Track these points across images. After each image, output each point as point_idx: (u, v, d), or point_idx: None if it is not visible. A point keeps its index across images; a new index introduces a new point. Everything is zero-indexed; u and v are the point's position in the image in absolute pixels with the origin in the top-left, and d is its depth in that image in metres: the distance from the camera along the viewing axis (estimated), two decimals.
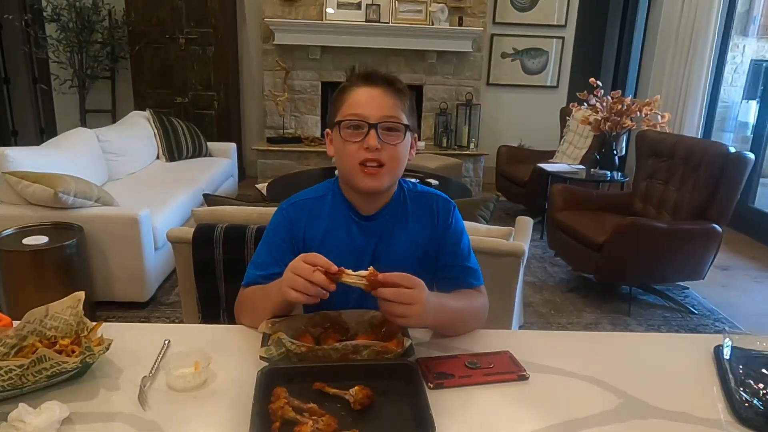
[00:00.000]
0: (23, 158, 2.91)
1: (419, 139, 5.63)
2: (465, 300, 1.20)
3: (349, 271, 1.00)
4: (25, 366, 0.88)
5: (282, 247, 1.20)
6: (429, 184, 3.59)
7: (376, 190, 1.17)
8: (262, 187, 3.73)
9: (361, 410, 0.89)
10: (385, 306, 1.00)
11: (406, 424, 0.87)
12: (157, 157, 4.49)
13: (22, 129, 5.90)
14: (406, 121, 1.16)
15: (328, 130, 1.21)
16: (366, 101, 1.13)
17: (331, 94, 5.96)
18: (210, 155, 4.74)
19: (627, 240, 2.98)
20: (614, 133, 3.98)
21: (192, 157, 4.60)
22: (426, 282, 1.06)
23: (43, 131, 5.75)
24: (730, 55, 4.98)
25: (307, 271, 0.99)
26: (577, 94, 4.28)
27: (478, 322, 1.21)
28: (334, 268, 1.00)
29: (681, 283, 3.45)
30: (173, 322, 2.79)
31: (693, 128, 4.71)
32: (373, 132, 1.11)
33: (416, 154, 1.27)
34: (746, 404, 0.94)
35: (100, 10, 5.12)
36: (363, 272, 1.00)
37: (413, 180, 1.31)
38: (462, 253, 1.25)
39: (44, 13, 5.05)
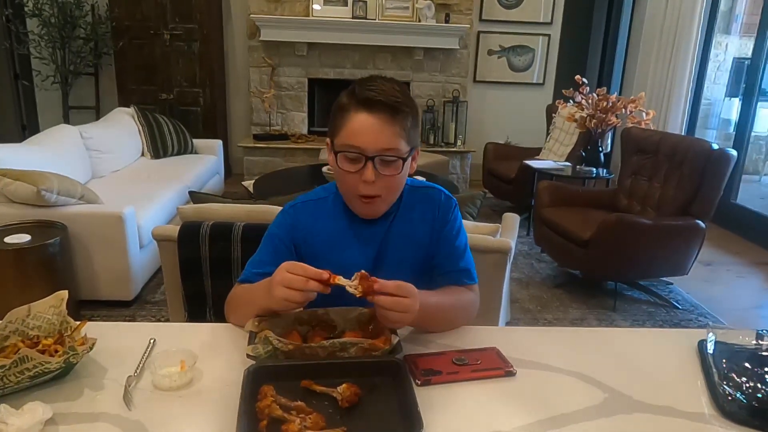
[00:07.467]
0: (5, 155, 2.87)
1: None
2: (452, 297, 1.20)
3: (340, 278, 1.01)
4: (6, 366, 0.87)
5: (281, 249, 1.20)
6: None
7: (373, 217, 1.19)
8: (249, 184, 3.70)
9: (348, 408, 0.89)
10: (381, 312, 1.02)
11: (394, 421, 0.87)
12: (142, 154, 4.45)
13: (3, 126, 5.80)
14: (406, 149, 1.13)
15: (328, 140, 1.18)
16: (365, 131, 1.09)
17: (318, 91, 5.93)
18: (195, 152, 4.70)
19: (612, 236, 3.01)
20: (600, 130, 4.01)
21: (177, 154, 4.57)
22: (423, 281, 1.06)
23: (25, 128, 5.66)
24: (713, 53, 5.04)
25: (300, 283, 0.99)
26: (563, 91, 4.31)
27: (464, 318, 1.21)
28: (326, 275, 1.00)
29: (665, 279, 3.49)
30: (159, 320, 2.77)
31: (677, 125, 4.76)
32: (370, 164, 1.09)
33: None
34: (729, 398, 0.96)
35: (83, 5, 5.03)
36: (355, 279, 1.01)
37: (413, 177, 1.30)
38: (457, 252, 1.24)
39: (25, 8, 4.96)
